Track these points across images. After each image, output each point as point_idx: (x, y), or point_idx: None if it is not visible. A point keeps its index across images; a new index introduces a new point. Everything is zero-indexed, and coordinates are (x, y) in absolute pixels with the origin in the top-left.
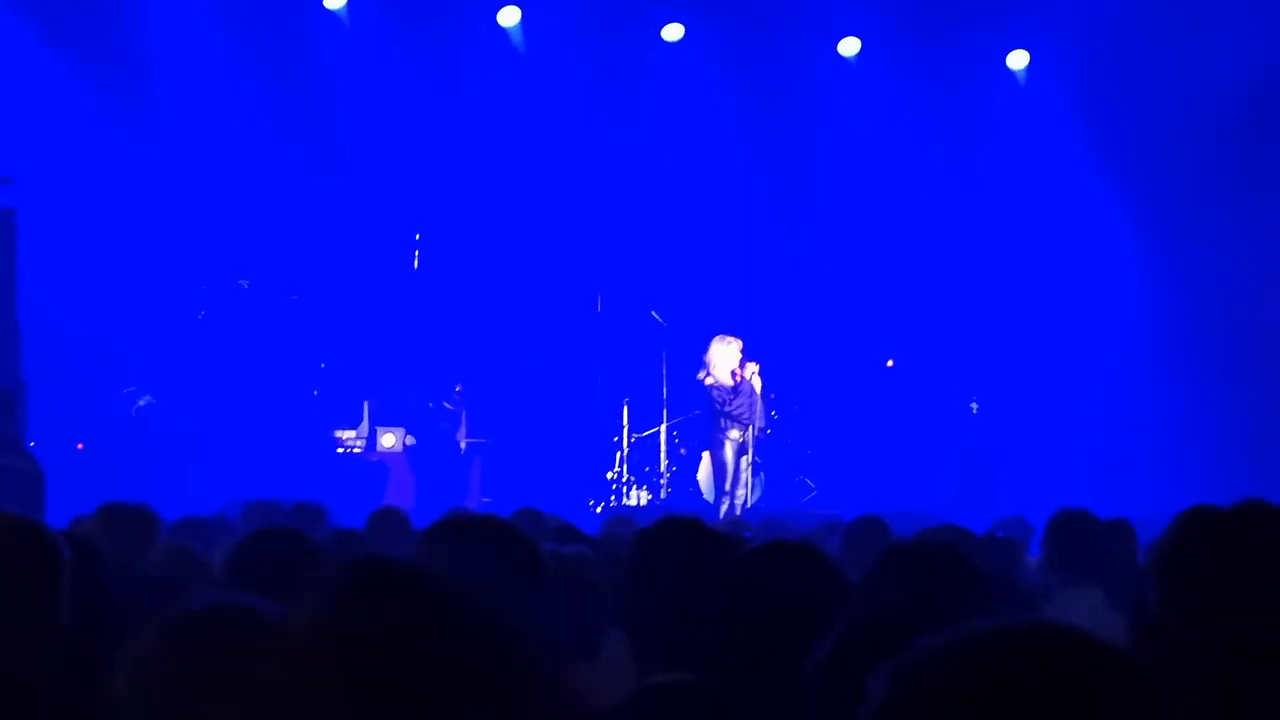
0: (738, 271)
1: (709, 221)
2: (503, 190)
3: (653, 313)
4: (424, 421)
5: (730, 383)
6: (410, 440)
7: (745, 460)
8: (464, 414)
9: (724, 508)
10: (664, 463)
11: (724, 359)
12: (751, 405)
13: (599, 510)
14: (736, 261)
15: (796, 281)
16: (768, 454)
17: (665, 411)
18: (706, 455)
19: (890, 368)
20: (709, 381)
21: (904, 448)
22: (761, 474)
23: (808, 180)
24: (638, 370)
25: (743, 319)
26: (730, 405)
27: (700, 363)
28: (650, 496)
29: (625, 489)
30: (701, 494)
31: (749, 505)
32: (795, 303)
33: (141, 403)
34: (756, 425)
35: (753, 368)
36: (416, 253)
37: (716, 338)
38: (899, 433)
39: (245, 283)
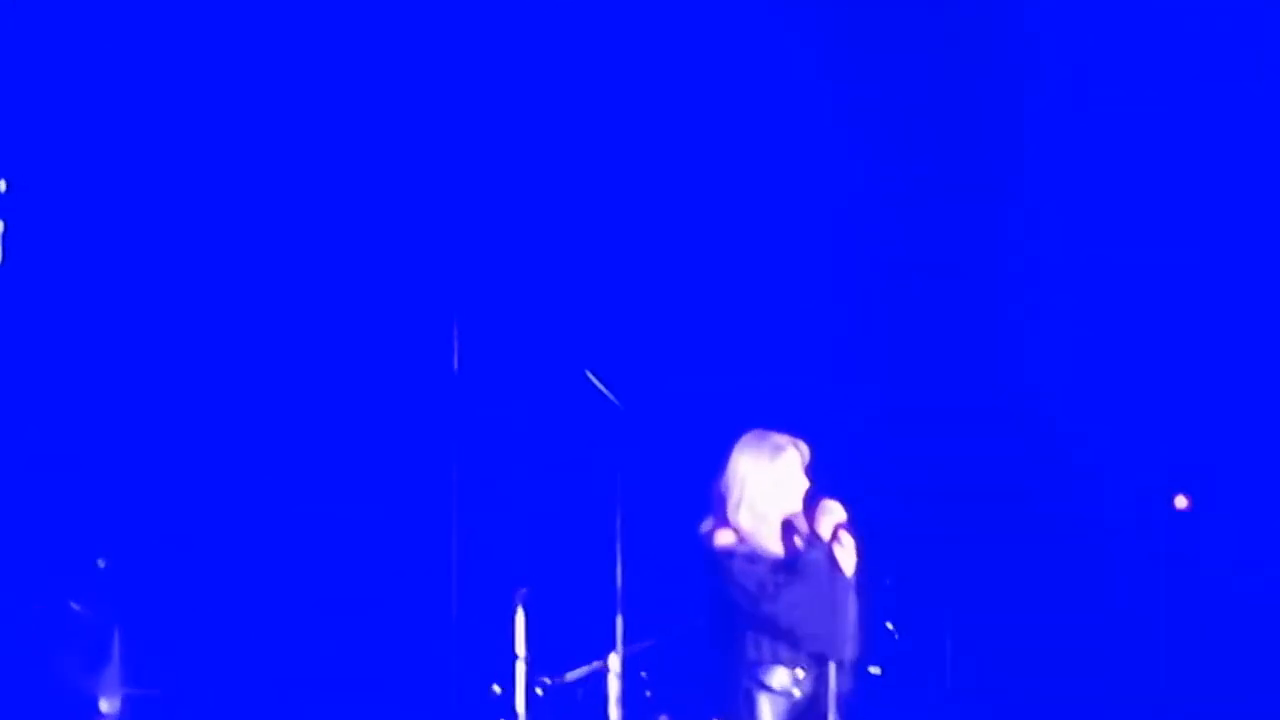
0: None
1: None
2: None
3: (589, 375)
4: None
5: (775, 548)
6: None
7: None
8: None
9: None
10: None
11: (766, 490)
12: (834, 603)
13: None
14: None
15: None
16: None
17: (620, 619)
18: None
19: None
20: (724, 543)
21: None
22: None
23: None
24: (546, 514)
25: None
26: (777, 601)
27: (707, 502)
28: None
29: None
30: None
31: None
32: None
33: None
34: (846, 652)
35: (833, 514)
36: None
37: (747, 439)
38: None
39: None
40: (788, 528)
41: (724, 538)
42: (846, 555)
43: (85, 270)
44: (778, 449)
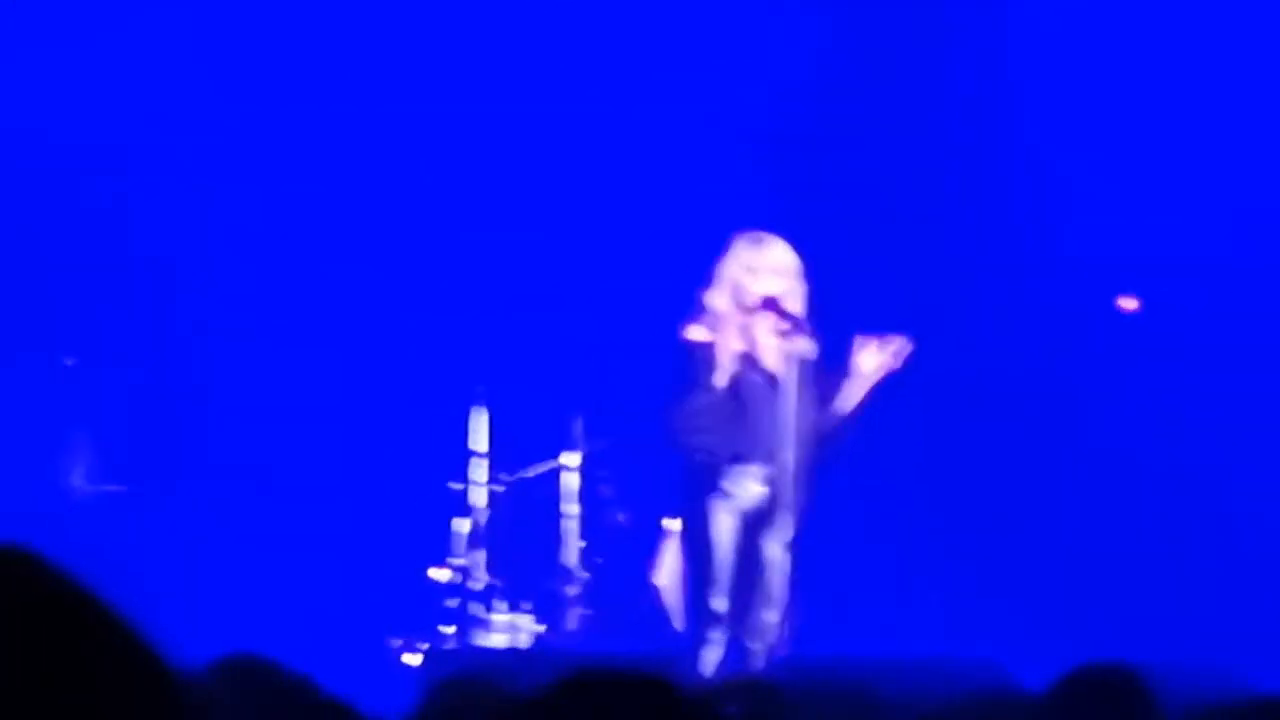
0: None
1: None
2: None
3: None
4: None
5: (735, 343)
6: None
7: (773, 544)
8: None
9: (713, 655)
10: (572, 546)
11: (739, 274)
12: (782, 415)
13: (414, 659)
14: None
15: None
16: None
17: (579, 423)
18: (677, 529)
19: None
20: (697, 337)
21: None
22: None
23: None
24: (510, 316)
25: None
26: (738, 408)
27: (690, 297)
28: (537, 628)
29: (477, 608)
30: (670, 623)
31: (777, 643)
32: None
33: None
34: (798, 460)
35: (797, 344)
36: None
37: (745, 236)
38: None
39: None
40: (748, 326)
41: (694, 330)
42: (795, 356)
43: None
44: (762, 239)
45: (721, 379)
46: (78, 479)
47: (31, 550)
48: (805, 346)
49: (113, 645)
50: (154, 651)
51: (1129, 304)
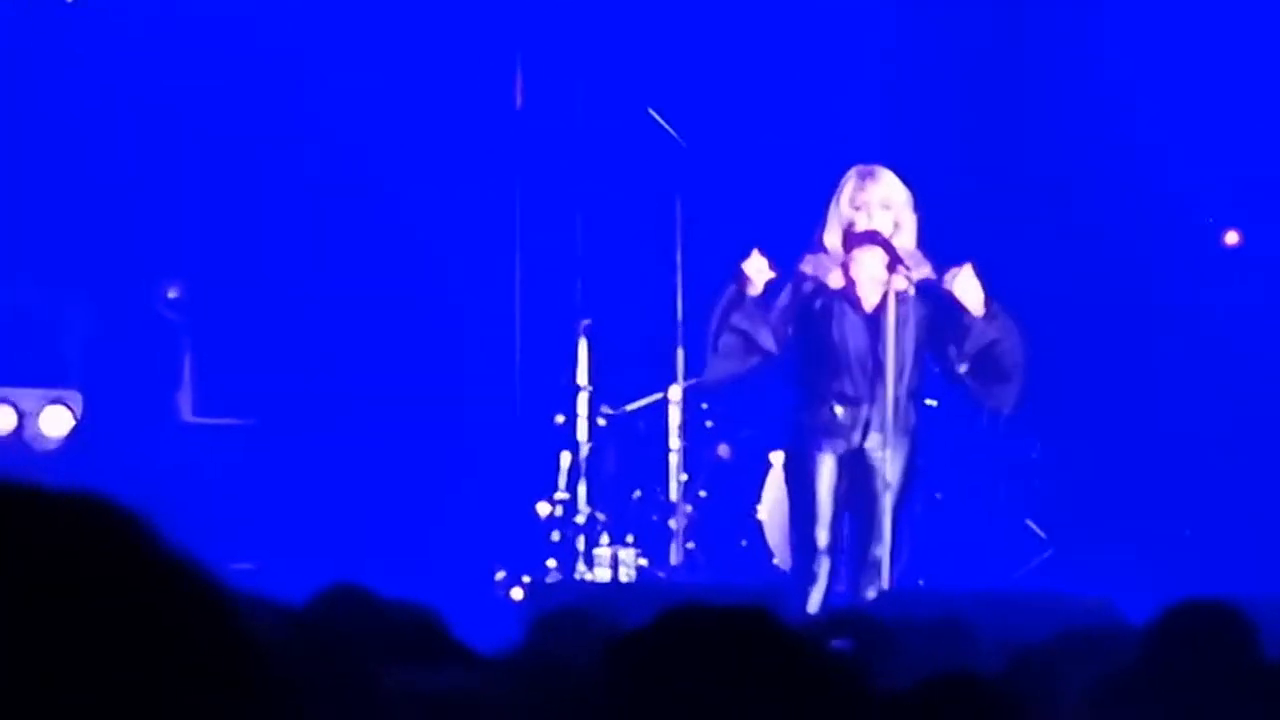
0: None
1: None
2: None
3: (651, 112)
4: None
5: (837, 279)
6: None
7: (880, 479)
8: (188, 360)
9: (816, 590)
10: (676, 481)
11: (854, 225)
12: (889, 353)
13: (516, 593)
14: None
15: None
16: (937, 459)
17: (681, 354)
18: (779, 463)
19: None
20: (807, 270)
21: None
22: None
23: None
24: (612, 252)
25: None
26: (844, 346)
27: (794, 240)
28: (640, 561)
29: (583, 543)
30: (773, 557)
31: (883, 584)
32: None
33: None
34: (899, 398)
35: (925, 273)
36: None
37: (853, 171)
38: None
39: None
40: (876, 273)
41: (805, 264)
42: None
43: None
44: (870, 173)
45: (826, 319)
46: (188, 411)
47: (118, 506)
48: (906, 284)
49: (195, 620)
50: (240, 626)
51: (1233, 238)
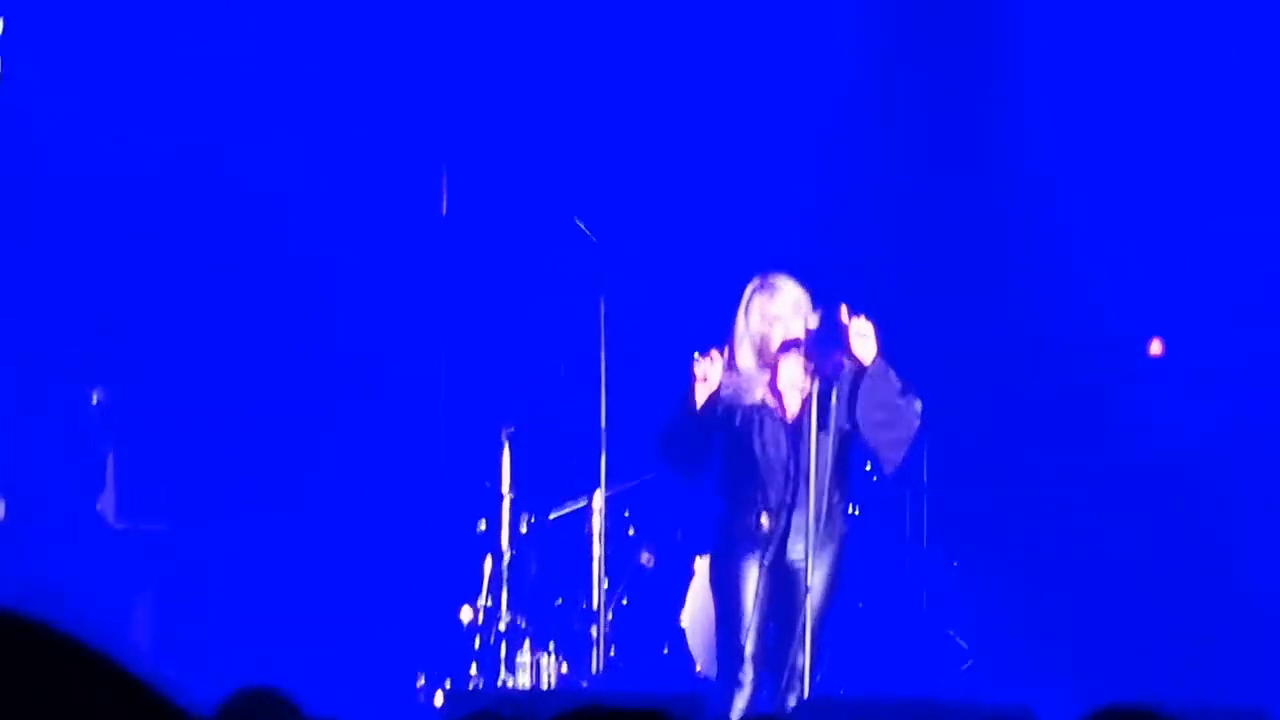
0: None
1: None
2: None
3: (577, 221)
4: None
5: (759, 392)
6: None
7: (803, 587)
8: (111, 460)
9: (739, 698)
10: (599, 589)
11: (767, 339)
12: (812, 460)
13: (438, 699)
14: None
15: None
16: (859, 568)
17: (603, 459)
18: (703, 570)
19: (1158, 355)
20: (726, 391)
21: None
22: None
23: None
24: (539, 356)
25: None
26: (767, 455)
27: (715, 343)
28: (562, 668)
29: (505, 649)
30: (695, 665)
31: (805, 693)
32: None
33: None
34: (823, 502)
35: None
36: None
37: (754, 284)
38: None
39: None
40: (775, 372)
41: (725, 387)
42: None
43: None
44: (775, 289)
45: (747, 431)
46: (110, 515)
47: (25, 620)
48: (817, 386)
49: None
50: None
51: (1157, 349)
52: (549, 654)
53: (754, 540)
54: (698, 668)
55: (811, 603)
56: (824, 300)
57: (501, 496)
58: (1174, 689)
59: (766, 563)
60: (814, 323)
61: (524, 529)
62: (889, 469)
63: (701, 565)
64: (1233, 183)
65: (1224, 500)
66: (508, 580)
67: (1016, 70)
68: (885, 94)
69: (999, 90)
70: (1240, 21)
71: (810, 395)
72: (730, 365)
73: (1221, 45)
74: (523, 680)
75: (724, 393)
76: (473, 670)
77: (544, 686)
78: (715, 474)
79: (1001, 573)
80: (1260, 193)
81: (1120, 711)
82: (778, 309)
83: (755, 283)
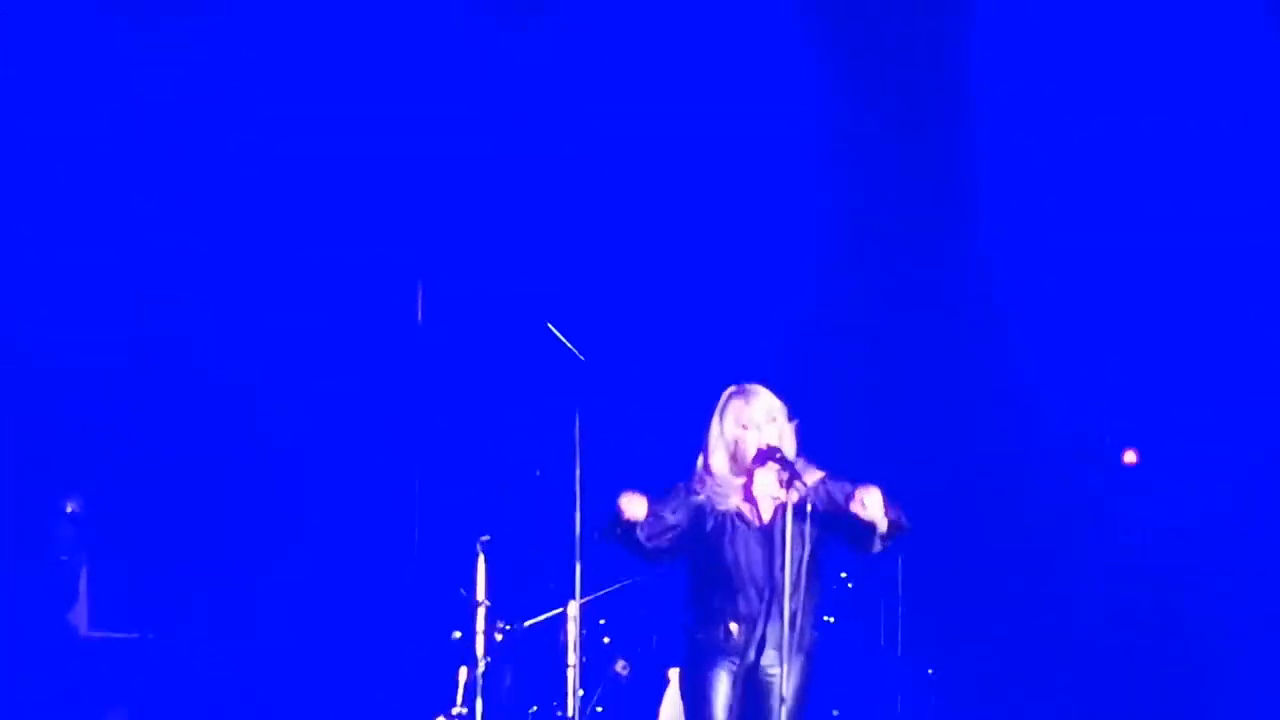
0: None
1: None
2: None
3: (550, 326)
4: None
5: (735, 499)
6: None
7: (776, 695)
8: (83, 575)
9: None
10: (573, 696)
11: (742, 444)
12: (785, 569)
13: None
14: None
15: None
16: (835, 675)
17: (578, 568)
18: (676, 679)
19: (1133, 464)
20: (699, 499)
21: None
22: None
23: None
24: (514, 464)
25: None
26: (739, 564)
27: (689, 454)
28: None
29: None
30: None
31: None
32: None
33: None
34: (795, 615)
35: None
36: None
37: (730, 390)
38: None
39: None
40: (750, 479)
41: (699, 495)
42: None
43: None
44: (747, 391)
45: (718, 537)
46: (82, 625)
47: None
48: (801, 492)
49: None
50: None
51: (1131, 457)
52: None
53: (725, 650)
54: None
55: (784, 712)
56: (799, 411)
57: (477, 604)
58: None
59: (737, 672)
60: (789, 432)
61: (499, 637)
62: (880, 533)
63: (675, 674)
64: (1204, 288)
65: (1203, 604)
66: (483, 688)
67: (996, 165)
68: (857, 195)
69: (972, 184)
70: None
71: (783, 505)
72: (706, 471)
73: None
74: None
75: (698, 500)
76: None
77: None
78: (684, 581)
79: (977, 680)
80: (1230, 294)
81: None
82: (752, 414)
83: (731, 389)
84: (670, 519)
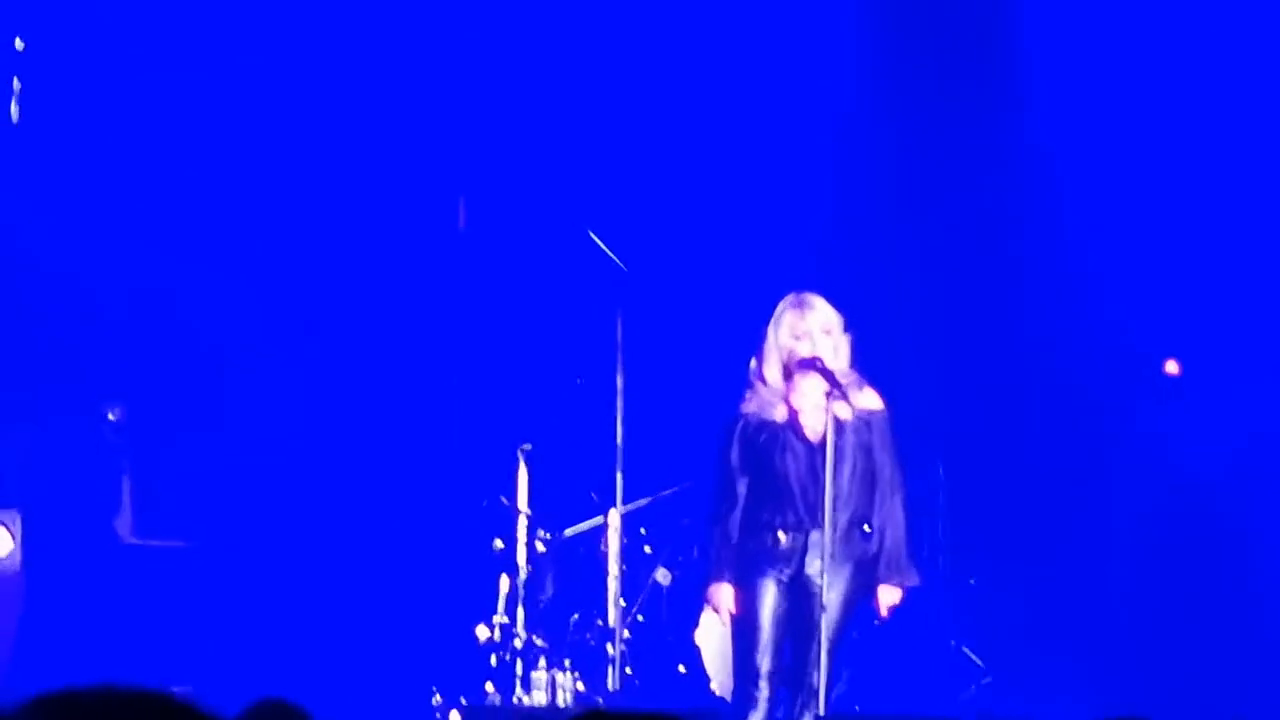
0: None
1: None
2: None
3: (592, 235)
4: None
5: (781, 411)
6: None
7: (823, 608)
8: (127, 483)
9: (754, 715)
10: (615, 606)
11: (794, 354)
12: (830, 481)
13: (454, 717)
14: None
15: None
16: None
17: (620, 478)
18: (723, 593)
19: (1175, 375)
20: (750, 410)
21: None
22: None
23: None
24: (555, 373)
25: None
26: (787, 475)
27: (733, 363)
28: (578, 686)
29: (520, 667)
30: (710, 682)
31: (821, 711)
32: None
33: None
34: (838, 520)
35: (864, 398)
36: None
37: (788, 299)
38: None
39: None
40: (794, 392)
41: (750, 405)
42: (845, 419)
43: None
44: (804, 301)
45: (770, 449)
46: (126, 532)
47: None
48: (846, 411)
49: None
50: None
51: (1173, 368)
52: (565, 671)
53: (771, 559)
54: (713, 685)
55: (828, 621)
56: (851, 325)
57: (518, 514)
58: (1190, 707)
59: (783, 581)
60: (844, 345)
61: (541, 547)
62: (911, 583)
63: (722, 592)
64: (1251, 199)
65: (1238, 519)
66: (524, 598)
67: (1029, 79)
68: (895, 106)
69: (1010, 98)
70: (1251, 28)
71: (830, 417)
72: (759, 377)
73: (1233, 52)
74: (539, 698)
75: (749, 409)
76: (489, 688)
77: (560, 704)
78: (734, 492)
79: (1018, 590)
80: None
81: None
82: (807, 326)
83: (790, 298)
84: (740, 490)
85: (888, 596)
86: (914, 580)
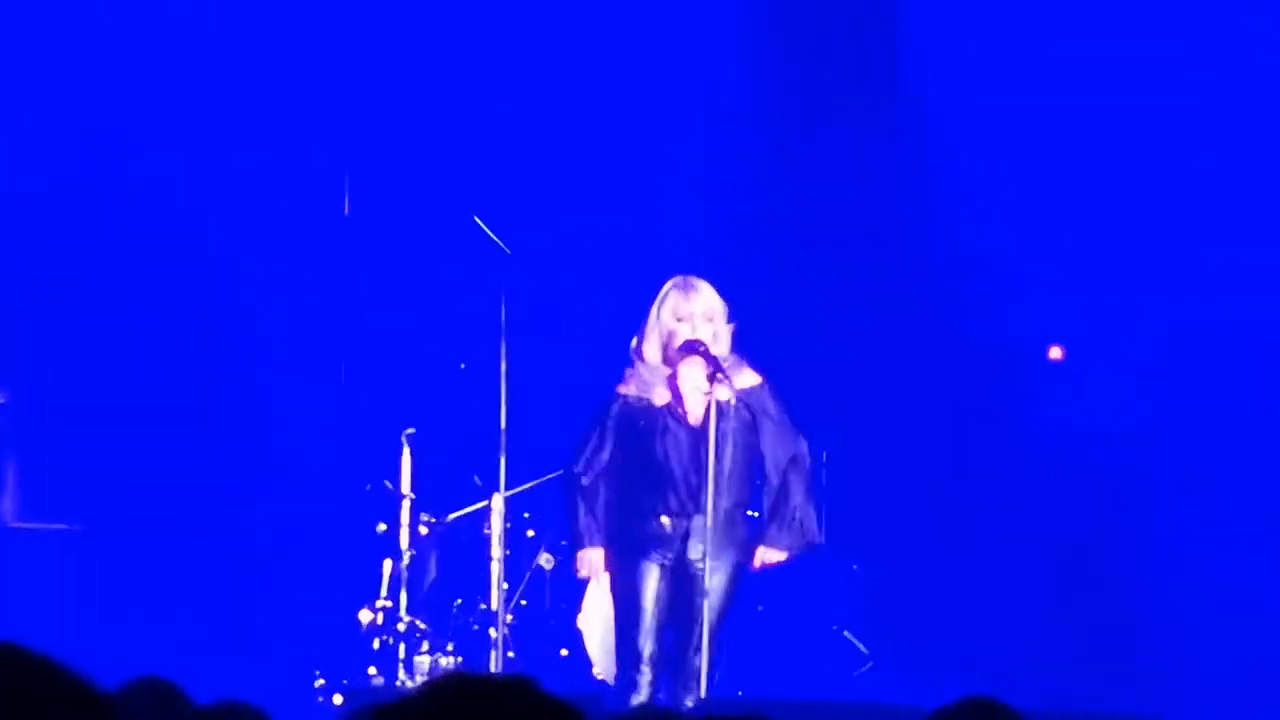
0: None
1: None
2: None
3: (477, 219)
4: None
5: (663, 393)
6: None
7: (701, 589)
8: (11, 466)
9: (636, 699)
10: (497, 589)
11: (675, 337)
12: (712, 465)
13: (337, 699)
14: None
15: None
16: (757, 576)
17: (503, 462)
18: (591, 557)
19: (1057, 360)
20: (629, 391)
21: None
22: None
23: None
24: (439, 357)
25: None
26: (668, 459)
27: (617, 348)
28: (458, 667)
29: (403, 650)
30: (593, 666)
31: (702, 694)
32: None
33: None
34: (720, 505)
35: (742, 378)
36: None
37: (674, 281)
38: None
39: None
40: (675, 375)
41: (629, 388)
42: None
43: None
44: (689, 284)
45: (649, 432)
46: (9, 515)
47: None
48: (728, 394)
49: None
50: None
51: (1056, 354)
52: (448, 655)
53: (653, 543)
54: (596, 669)
55: (710, 605)
56: (735, 314)
57: (401, 498)
58: (1074, 691)
59: (665, 565)
60: (726, 333)
61: (424, 530)
62: (816, 541)
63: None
64: (1131, 184)
65: (1120, 503)
66: (407, 582)
67: (906, 65)
68: (781, 94)
69: (889, 86)
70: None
71: (711, 401)
72: (638, 356)
73: (1103, 36)
74: (421, 681)
75: (628, 390)
76: (371, 671)
77: None
78: (615, 476)
79: (901, 575)
80: (1158, 195)
81: (965, 705)
82: (691, 308)
83: (676, 280)
84: (604, 457)
85: (769, 555)
86: (800, 548)
